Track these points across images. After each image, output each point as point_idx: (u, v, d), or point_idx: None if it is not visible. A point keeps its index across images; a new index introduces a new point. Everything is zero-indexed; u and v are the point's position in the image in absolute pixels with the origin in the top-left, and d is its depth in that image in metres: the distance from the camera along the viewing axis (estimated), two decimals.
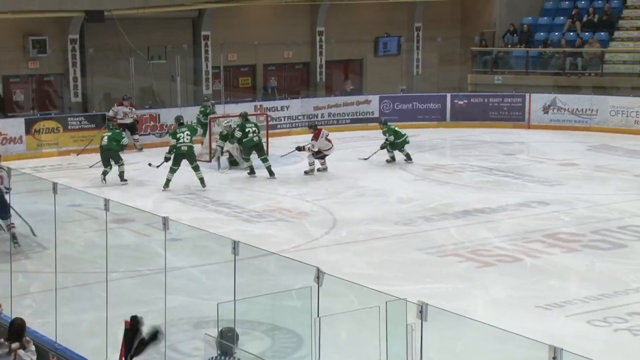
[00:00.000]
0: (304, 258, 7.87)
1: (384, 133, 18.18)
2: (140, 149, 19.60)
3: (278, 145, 19.64)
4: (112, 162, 16.41)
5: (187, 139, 15.89)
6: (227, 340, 5.91)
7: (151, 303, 9.10)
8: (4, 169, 11.46)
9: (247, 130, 16.95)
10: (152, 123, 20.39)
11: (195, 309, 9.45)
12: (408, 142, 18.27)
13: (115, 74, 21.52)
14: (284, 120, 21.84)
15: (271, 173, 16.76)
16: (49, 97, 21.24)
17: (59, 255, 9.04)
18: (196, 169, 15.93)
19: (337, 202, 14.81)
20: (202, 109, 19.72)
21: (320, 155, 17.15)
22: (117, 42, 20.86)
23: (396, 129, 18.32)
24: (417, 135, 21.51)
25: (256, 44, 23.02)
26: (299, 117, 21.94)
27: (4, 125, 18.83)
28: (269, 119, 20.01)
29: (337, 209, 14.16)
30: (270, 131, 19.63)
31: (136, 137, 19.78)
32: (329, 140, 17.20)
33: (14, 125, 18.88)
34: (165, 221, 7.10)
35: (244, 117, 17.39)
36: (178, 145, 15.79)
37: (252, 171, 16.91)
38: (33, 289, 10.24)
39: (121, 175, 16.40)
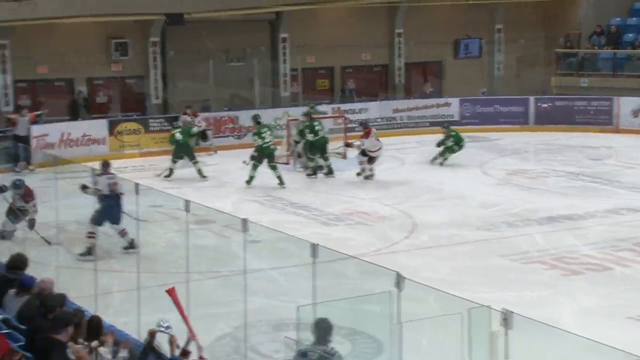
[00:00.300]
0: (383, 262, 7.82)
1: (448, 137, 18.11)
2: (215, 152, 19.78)
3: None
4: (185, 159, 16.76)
5: (271, 138, 16.27)
6: (320, 330, 5.94)
7: (230, 304, 9.19)
8: (115, 175, 11.63)
9: (316, 129, 17.09)
10: (230, 125, 20.62)
11: (274, 312, 9.49)
12: (464, 147, 18.18)
13: (194, 76, 21.87)
14: None
15: (331, 172, 16.92)
16: (130, 99, 21.70)
17: (142, 255, 9.23)
18: (274, 167, 16.17)
19: (417, 205, 14.69)
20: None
21: (370, 160, 16.75)
22: (196, 44, 21.19)
23: (460, 135, 18.19)
24: (500, 139, 21.20)
25: (334, 46, 23.06)
26: (378, 120, 21.85)
27: (88, 127, 19.37)
28: (346, 121, 20.02)
29: (416, 213, 14.06)
30: (347, 134, 19.61)
31: (208, 143, 19.79)
32: (378, 140, 17.05)
33: (97, 127, 19.41)
34: (244, 223, 7.15)
35: (310, 115, 17.47)
36: (265, 145, 16.07)
37: (314, 172, 17.01)
38: (116, 287, 10.47)
39: (200, 172, 16.78)
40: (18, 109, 18.57)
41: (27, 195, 12.32)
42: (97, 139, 19.17)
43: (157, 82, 21.47)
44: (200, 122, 19.61)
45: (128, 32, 21.00)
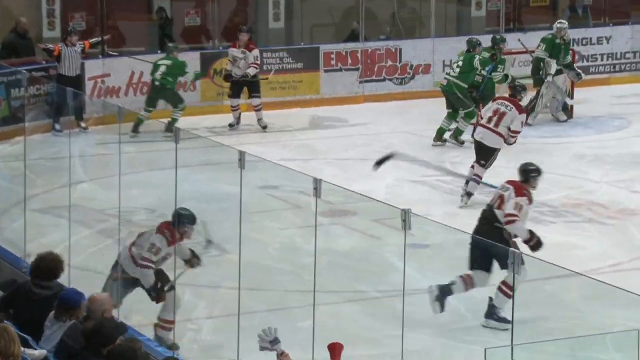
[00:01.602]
0: (628, 283, 7.71)
1: None
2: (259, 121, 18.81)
3: (593, 100, 19.48)
4: None
5: (457, 71, 17.04)
6: None
7: (382, 343, 9.34)
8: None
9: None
10: (389, 62, 20.68)
11: (448, 355, 9.57)
12: None
13: None
14: (602, 59, 21.46)
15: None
16: (234, 21, 22.04)
17: (244, 262, 9.45)
18: (451, 116, 17.09)
19: None
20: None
21: None
22: None
23: None
24: None
25: None
26: (627, 56, 21.44)
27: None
28: (576, 57, 19.73)
29: None
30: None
31: (257, 102, 18.66)
32: None
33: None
34: (405, 216, 7.22)
35: (498, 45, 17.76)
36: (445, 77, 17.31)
37: (456, 138, 17.21)
38: (205, 311, 10.78)
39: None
40: (66, 35, 18.61)
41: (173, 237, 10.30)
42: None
43: None
44: (247, 57, 18.53)
45: None
